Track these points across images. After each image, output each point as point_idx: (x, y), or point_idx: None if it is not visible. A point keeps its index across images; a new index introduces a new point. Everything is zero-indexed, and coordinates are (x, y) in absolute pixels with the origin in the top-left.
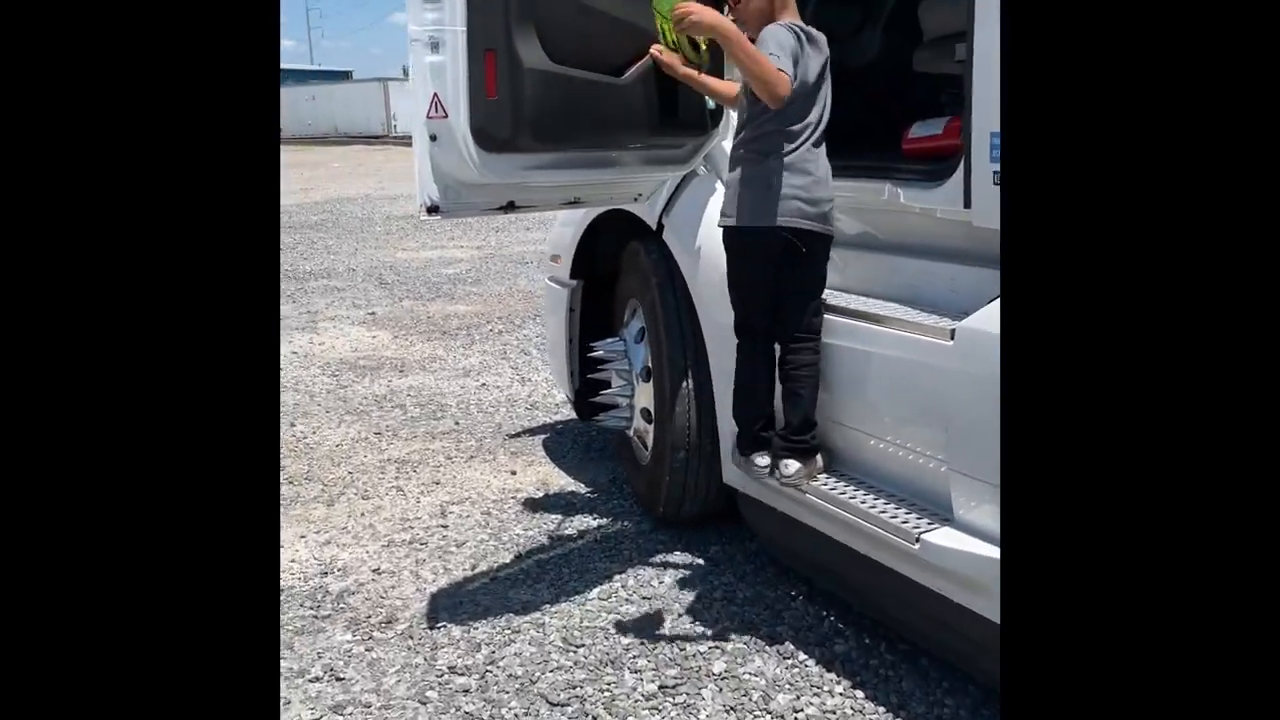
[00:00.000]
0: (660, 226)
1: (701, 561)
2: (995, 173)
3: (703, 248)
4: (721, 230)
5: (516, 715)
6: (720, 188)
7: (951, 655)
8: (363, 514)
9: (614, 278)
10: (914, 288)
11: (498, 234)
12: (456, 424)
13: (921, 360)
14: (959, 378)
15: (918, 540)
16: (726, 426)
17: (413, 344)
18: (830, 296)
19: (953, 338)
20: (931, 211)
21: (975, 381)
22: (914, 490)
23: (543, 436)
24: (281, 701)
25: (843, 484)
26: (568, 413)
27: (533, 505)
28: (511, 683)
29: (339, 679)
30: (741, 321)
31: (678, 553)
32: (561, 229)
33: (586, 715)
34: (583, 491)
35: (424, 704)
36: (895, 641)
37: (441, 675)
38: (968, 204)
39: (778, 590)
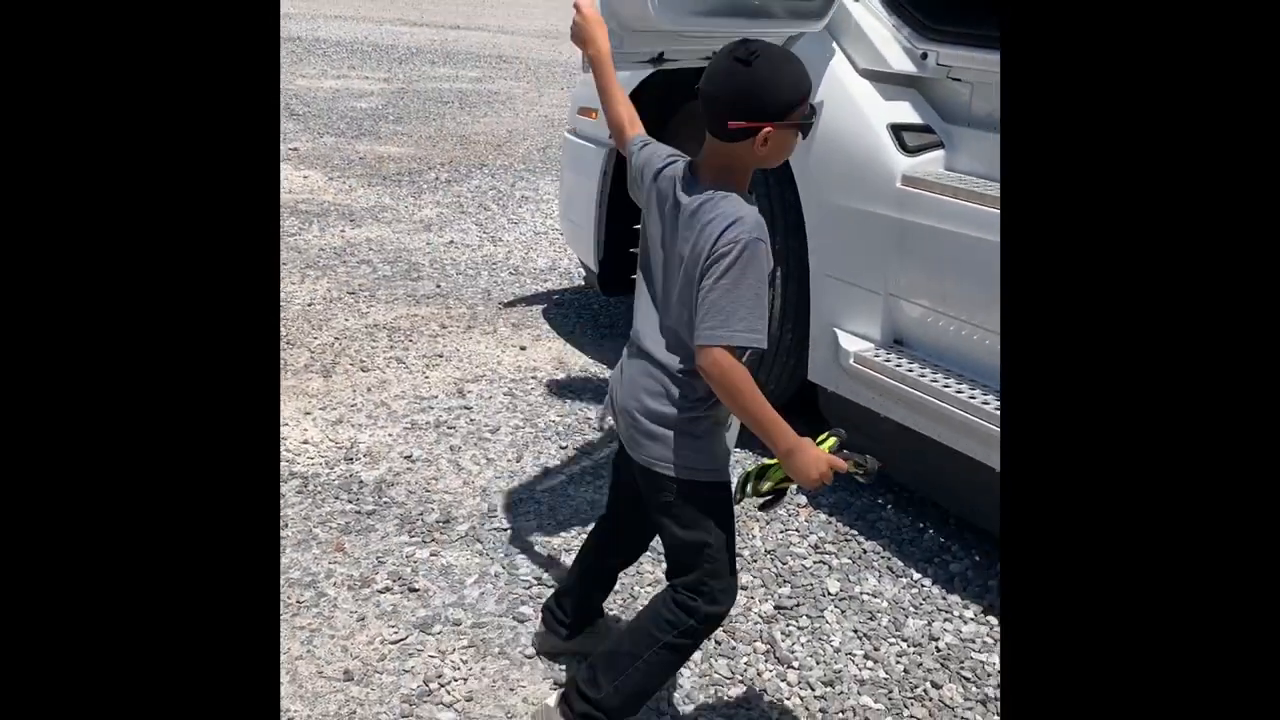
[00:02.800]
0: None
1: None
2: None
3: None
4: (667, 482)
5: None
6: (833, 50)
7: None
8: (369, 389)
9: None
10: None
11: (402, 65)
12: (438, 287)
13: None
14: None
15: None
16: (821, 317)
17: (353, 189)
18: (988, 186)
19: None
20: None
21: None
22: None
23: (540, 307)
24: (353, 619)
25: (966, 388)
26: (557, 280)
27: (558, 388)
28: (614, 596)
29: (413, 590)
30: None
31: (738, 450)
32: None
33: (710, 639)
34: (606, 373)
35: (522, 622)
36: None
37: (530, 587)
38: None
39: (862, 498)
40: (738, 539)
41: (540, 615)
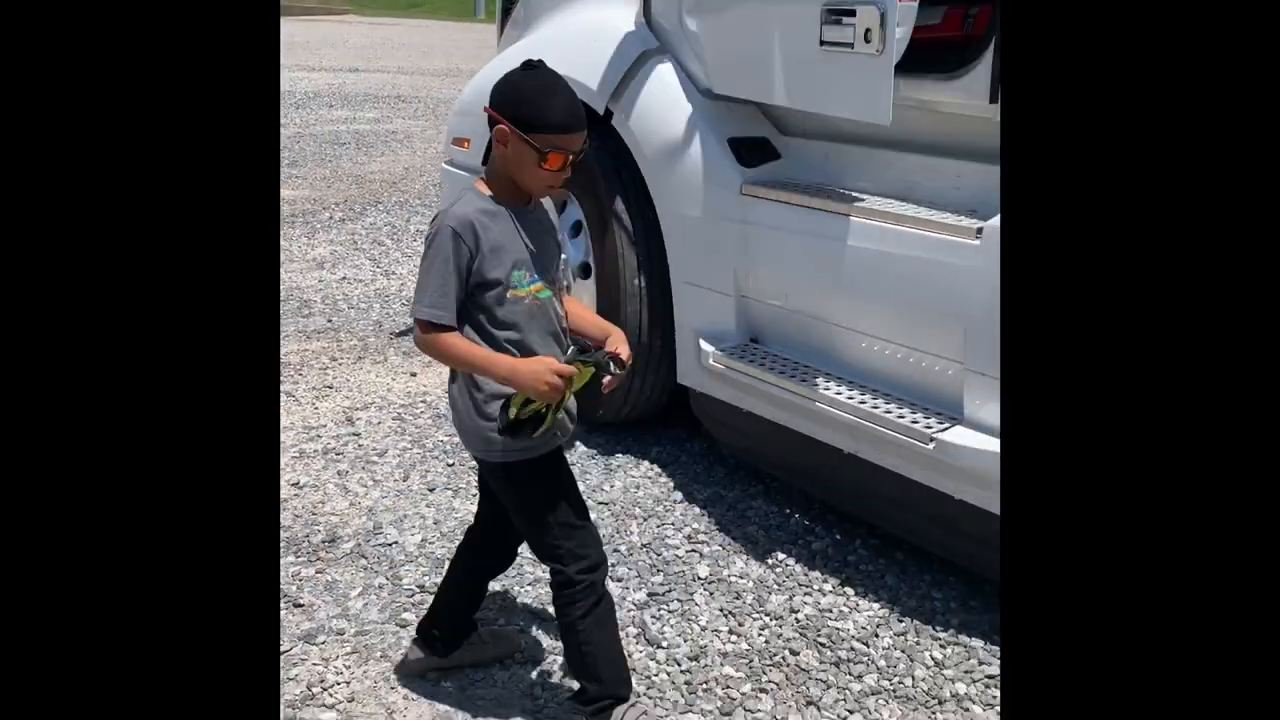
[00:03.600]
0: (609, 113)
1: (648, 464)
2: None
3: (662, 134)
4: (494, 469)
5: (495, 621)
6: (673, 73)
7: (944, 550)
8: None
9: None
10: (912, 184)
11: (299, 110)
12: (329, 321)
13: (945, 260)
14: (986, 276)
15: (932, 440)
16: (683, 323)
17: None
18: (835, 195)
19: (979, 236)
20: (943, 105)
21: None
22: (910, 390)
23: None
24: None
25: (835, 385)
26: None
27: (447, 410)
28: (492, 600)
29: (298, 605)
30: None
31: (620, 455)
32: (468, 111)
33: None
34: None
35: (403, 626)
36: (867, 537)
37: (412, 595)
38: (994, 99)
39: (734, 490)
40: (607, 541)
41: (413, 641)
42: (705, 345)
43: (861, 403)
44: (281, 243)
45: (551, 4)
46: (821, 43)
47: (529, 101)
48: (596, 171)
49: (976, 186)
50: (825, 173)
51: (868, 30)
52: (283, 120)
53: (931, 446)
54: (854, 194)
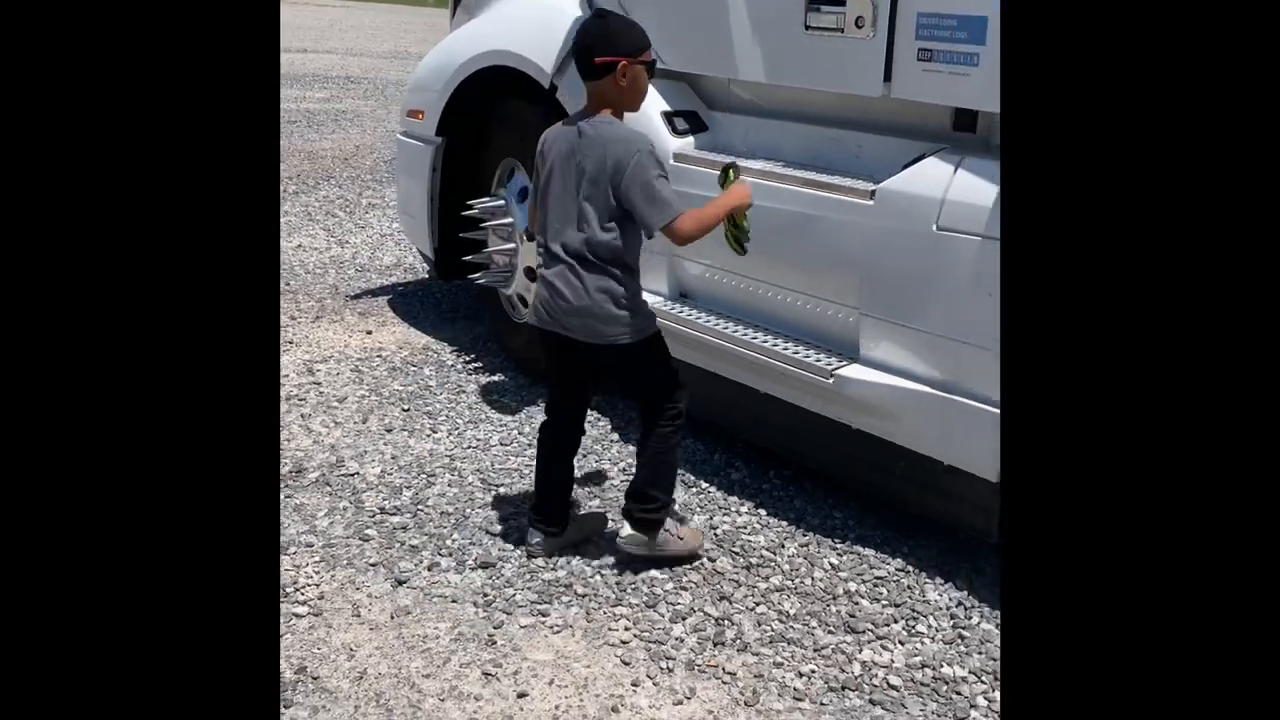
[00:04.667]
0: (554, 87)
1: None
2: (920, 49)
3: None
4: (631, 347)
5: (461, 545)
6: None
7: (841, 473)
8: None
9: (480, 137)
10: (818, 153)
11: None
12: (286, 284)
13: (843, 219)
14: (878, 233)
15: (831, 375)
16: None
17: None
18: (750, 163)
19: (873, 198)
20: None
21: (891, 236)
22: (816, 335)
23: (385, 298)
24: None
25: (750, 332)
26: (402, 275)
27: (403, 363)
28: (446, 519)
29: None
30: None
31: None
32: (422, 86)
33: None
34: (447, 350)
35: (365, 541)
36: (780, 469)
37: (374, 515)
38: (888, 78)
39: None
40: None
41: (533, 530)
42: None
43: (773, 347)
44: None
45: None
46: (806, 28)
47: (624, 34)
48: None
49: (873, 155)
50: (746, 143)
51: (859, 17)
52: None
53: (831, 381)
54: (770, 162)
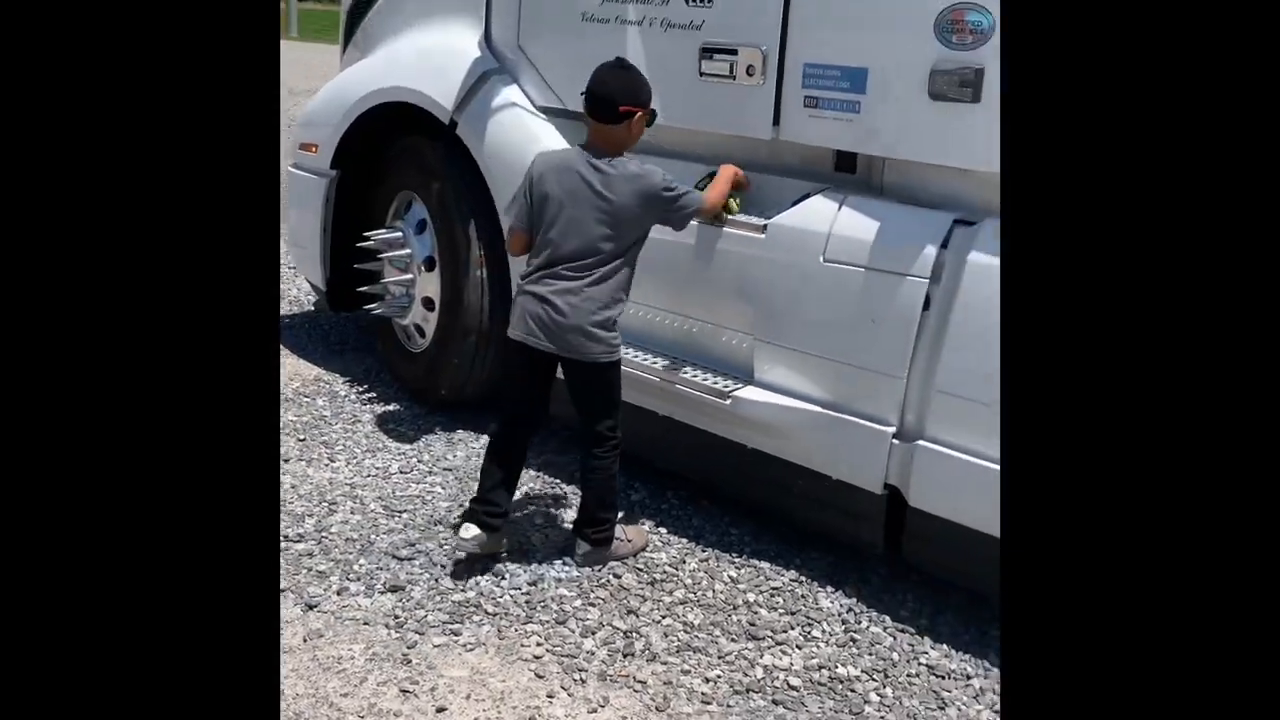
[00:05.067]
0: (453, 123)
1: (486, 438)
2: (806, 96)
3: (500, 142)
4: (606, 366)
5: (369, 570)
6: (512, 91)
7: (737, 491)
8: None
9: (374, 172)
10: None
11: None
12: None
13: (737, 251)
14: (769, 265)
15: (729, 397)
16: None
17: None
18: None
19: (764, 232)
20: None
21: (783, 268)
22: (715, 361)
23: None
24: None
25: (651, 358)
26: (288, 307)
27: (295, 395)
28: (351, 545)
29: None
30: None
31: (461, 430)
32: (316, 121)
33: (435, 565)
34: (340, 381)
35: None
36: (678, 489)
37: (280, 543)
38: (776, 122)
39: (566, 456)
40: (452, 500)
41: (476, 524)
42: None
43: (674, 371)
44: None
45: (393, 28)
46: (701, 74)
47: (644, 85)
48: (441, 176)
49: (764, 193)
50: None
51: (750, 66)
52: None
53: (729, 403)
54: None
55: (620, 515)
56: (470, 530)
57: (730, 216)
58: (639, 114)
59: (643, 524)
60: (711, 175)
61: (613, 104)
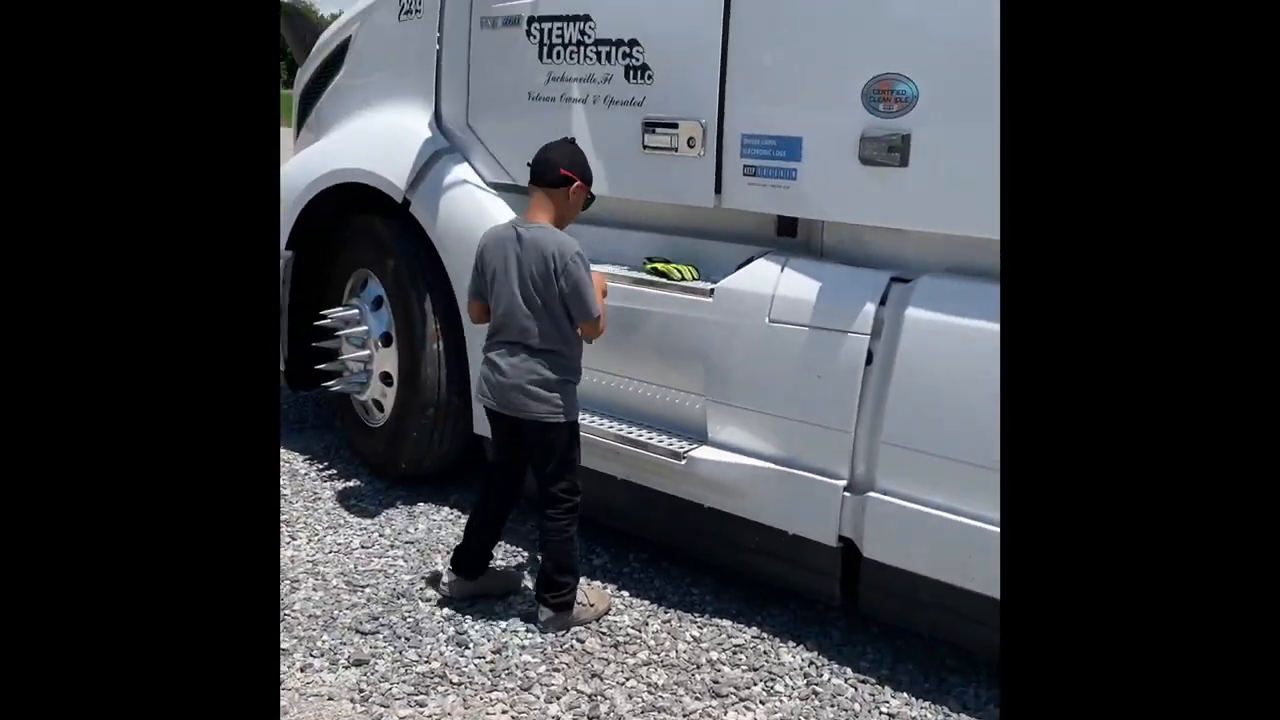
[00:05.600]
0: (406, 202)
1: (447, 509)
2: (745, 165)
3: (453, 218)
4: (551, 426)
5: (332, 645)
6: (463, 169)
7: (697, 550)
8: None
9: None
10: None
11: None
12: None
13: (686, 315)
14: (718, 327)
15: (683, 458)
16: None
17: None
18: (601, 268)
19: (712, 295)
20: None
21: (731, 330)
22: (664, 422)
23: None
24: None
25: (607, 422)
26: None
27: None
28: (314, 621)
29: None
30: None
31: (422, 504)
32: None
33: (399, 638)
34: (300, 459)
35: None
36: (639, 552)
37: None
38: (718, 190)
39: (526, 524)
40: (414, 572)
41: (449, 570)
42: None
43: (629, 435)
44: None
45: (346, 110)
46: (644, 147)
47: (584, 161)
48: (396, 253)
49: (709, 258)
50: (594, 250)
51: (690, 138)
52: None
53: (683, 463)
54: (619, 267)
55: (580, 580)
56: (448, 575)
57: (676, 280)
58: (578, 184)
59: (604, 587)
60: (653, 261)
61: (555, 166)
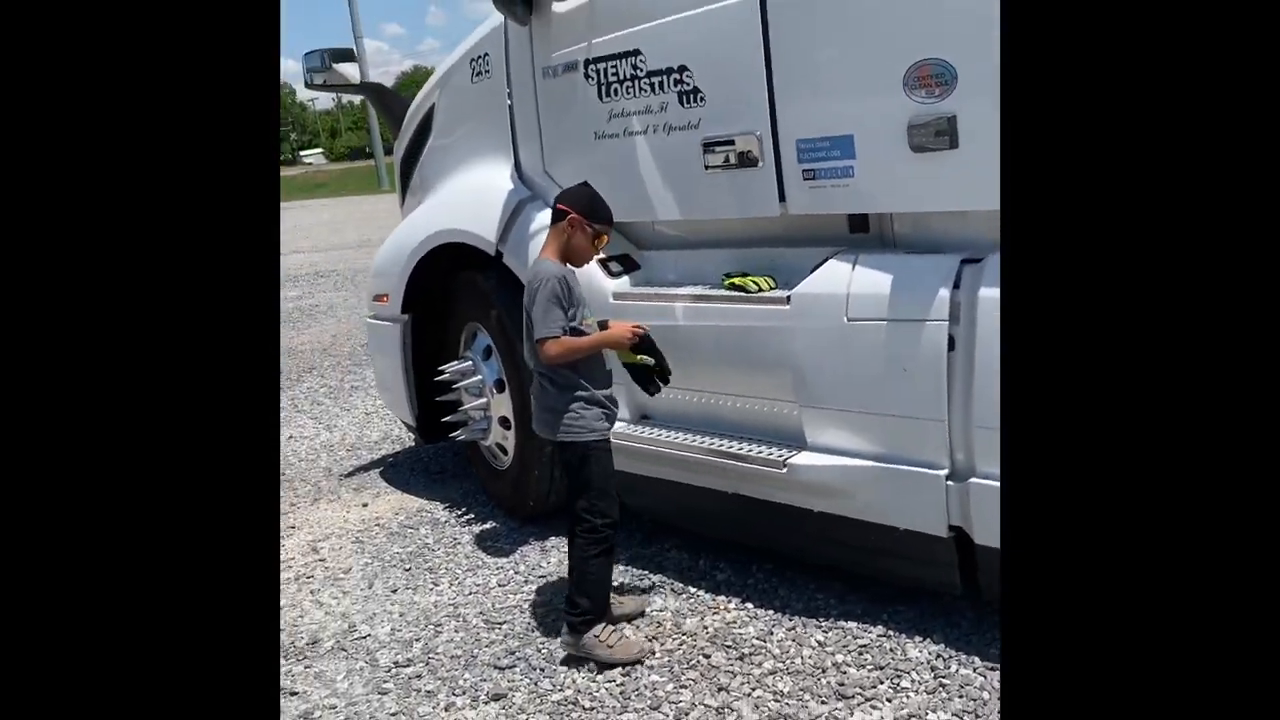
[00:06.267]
0: (499, 253)
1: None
2: (804, 170)
3: None
4: (565, 445)
5: (473, 684)
6: (548, 215)
7: (815, 556)
8: None
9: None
10: (738, 270)
11: None
12: (283, 474)
13: (767, 325)
14: (799, 333)
15: (784, 465)
16: None
17: None
18: (676, 289)
19: (789, 302)
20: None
21: (812, 333)
22: (763, 432)
23: (377, 471)
24: None
25: (705, 438)
26: (390, 446)
27: (400, 528)
28: (456, 662)
29: (294, 694)
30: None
31: (552, 538)
32: (383, 272)
33: (534, 669)
34: (440, 508)
35: (384, 694)
36: (762, 563)
37: (389, 670)
38: (782, 199)
39: (651, 548)
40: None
41: (570, 635)
42: None
43: (727, 448)
44: None
45: (438, 173)
46: (705, 168)
47: (586, 199)
48: (496, 303)
49: (784, 264)
50: (676, 272)
51: (748, 151)
52: None
53: (785, 471)
54: (698, 286)
55: (643, 612)
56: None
57: (753, 292)
58: (572, 215)
59: (647, 638)
60: (731, 277)
61: (555, 203)
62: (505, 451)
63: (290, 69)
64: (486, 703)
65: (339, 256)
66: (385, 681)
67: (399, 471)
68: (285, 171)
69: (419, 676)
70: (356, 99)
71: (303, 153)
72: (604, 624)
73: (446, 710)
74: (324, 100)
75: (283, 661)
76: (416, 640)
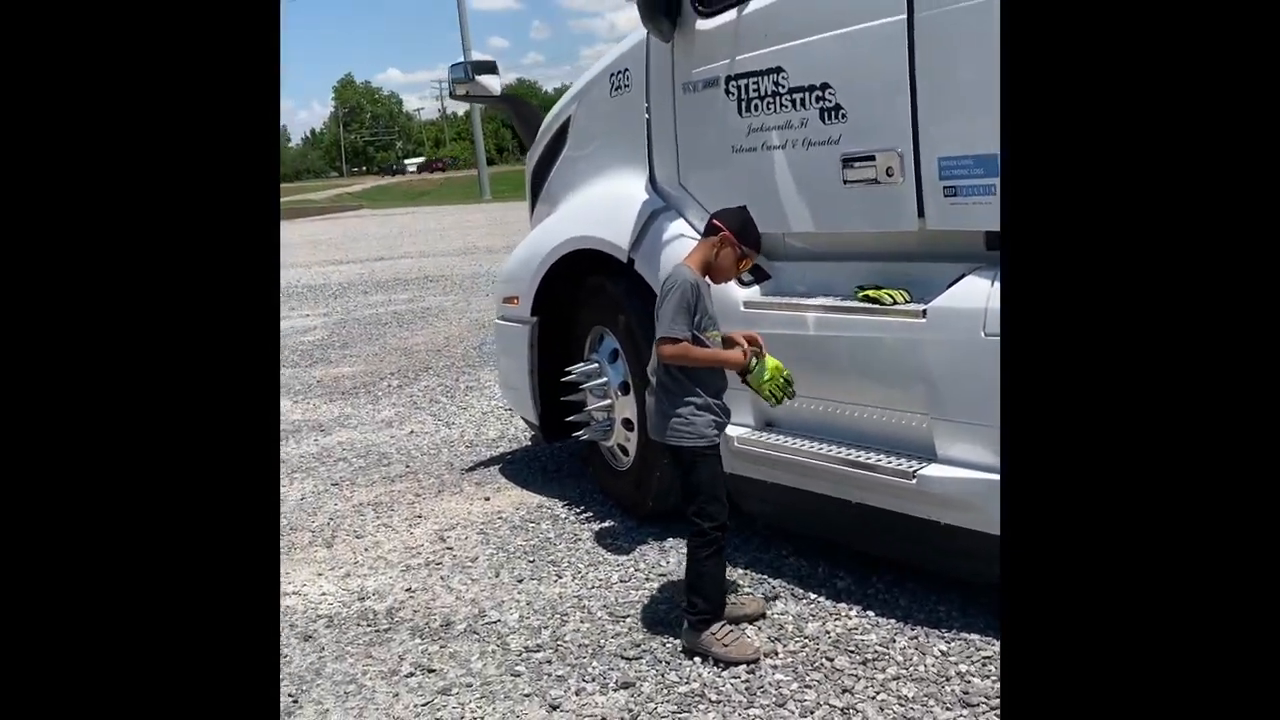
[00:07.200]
0: (631, 261)
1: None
2: (945, 187)
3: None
4: (675, 449)
5: (601, 672)
6: (679, 224)
7: (938, 566)
8: (365, 549)
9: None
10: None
11: (337, 299)
12: (407, 467)
13: (902, 337)
14: (934, 346)
15: (914, 477)
16: None
17: (317, 406)
18: (807, 299)
19: (924, 316)
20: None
21: (948, 347)
22: (890, 443)
23: (496, 467)
24: (390, 696)
25: (833, 447)
26: (507, 445)
27: (521, 521)
28: (584, 650)
29: (431, 671)
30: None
31: (671, 539)
32: (514, 275)
33: (660, 662)
34: (560, 505)
35: (517, 676)
36: (883, 572)
37: (520, 654)
38: (921, 214)
39: (770, 553)
40: (670, 602)
41: (690, 633)
42: (731, 432)
43: (856, 458)
44: (349, 409)
45: (571, 183)
46: (845, 182)
47: (742, 221)
48: (626, 309)
49: (918, 279)
50: (805, 284)
51: (889, 167)
52: (325, 309)
53: (915, 482)
54: (829, 297)
55: (765, 615)
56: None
57: (888, 305)
58: (724, 233)
59: (770, 640)
60: (864, 289)
61: (711, 219)
62: (626, 453)
63: (396, 79)
64: (615, 690)
65: (445, 262)
66: (517, 665)
67: (517, 468)
68: (388, 181)
69: (549, 662)
70: (461, 110)
71: (406, 161)
72: (722, 623)
73: (577, 695)
74: (430, 111)
75: (418, 641)
76: (544, 628)
